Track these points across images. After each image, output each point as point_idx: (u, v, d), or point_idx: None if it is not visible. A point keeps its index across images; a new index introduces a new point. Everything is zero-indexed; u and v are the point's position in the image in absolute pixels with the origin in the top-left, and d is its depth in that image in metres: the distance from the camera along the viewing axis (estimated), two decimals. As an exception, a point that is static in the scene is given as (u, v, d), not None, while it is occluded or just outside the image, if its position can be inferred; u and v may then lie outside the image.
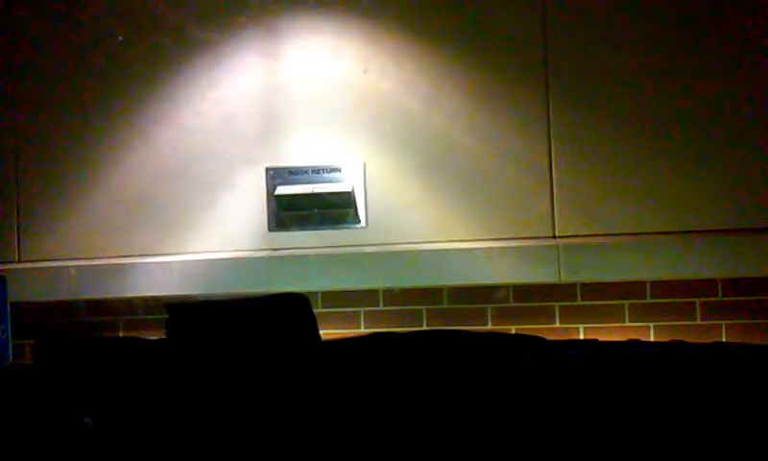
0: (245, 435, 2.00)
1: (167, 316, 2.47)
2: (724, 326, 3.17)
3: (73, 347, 2.44)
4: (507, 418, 1.89)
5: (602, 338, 3.20)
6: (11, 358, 3.53)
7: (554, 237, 3.29)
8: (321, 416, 1.99)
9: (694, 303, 3.20)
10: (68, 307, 3.57)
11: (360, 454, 1.94)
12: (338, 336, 2.42)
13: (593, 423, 1.84)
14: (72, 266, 3.51)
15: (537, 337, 2.13)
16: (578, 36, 3.34)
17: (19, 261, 3.59)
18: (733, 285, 3.20)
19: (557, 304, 3.31)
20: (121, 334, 3.58)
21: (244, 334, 2.21)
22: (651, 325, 3.22)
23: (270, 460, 1.98)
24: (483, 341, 2.18)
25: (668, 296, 3.22)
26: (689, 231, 3.19)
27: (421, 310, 3.42)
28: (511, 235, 3.31)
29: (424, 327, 3.40)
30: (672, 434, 1.80)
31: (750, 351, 2.11)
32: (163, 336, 2.37)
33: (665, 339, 3.15)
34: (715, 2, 3.27)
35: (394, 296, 3.43)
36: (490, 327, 3.37)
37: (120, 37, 3.59)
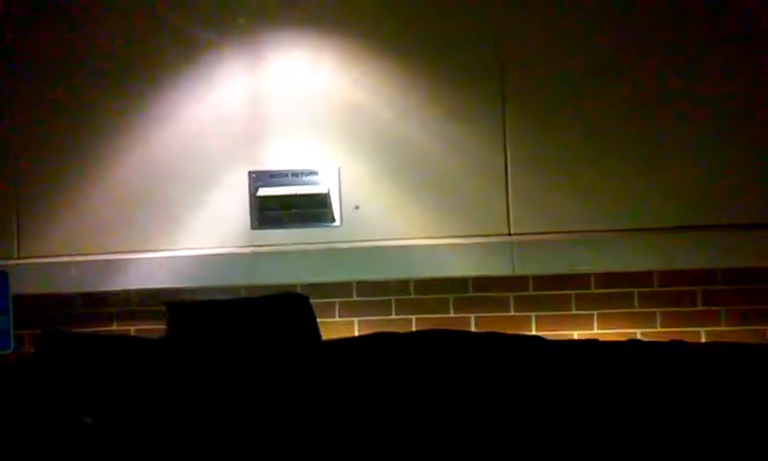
0: (245, 433, 2.03)
1: (167, 315, 2.62)
2: (658, 313, 3.58)
3: (75, 342, 2.59)
4: (508, 417, 1.91)
5: (551, 325, 3.60)
6: (12, 346, 3.80)
7: (509, 235, 3.66)
8: (320, 414, 2.02)
9: (633, 293, 3.60)
10: (65, 300, 3.84)
11: (359, 452, 1.95)
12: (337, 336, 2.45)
13: (606, 423, 1.89)
14: (69, 262, 3.80)
15: (535, 337, 2.15)
16: (530, 53, 3.71)
17: (18, 258, 3.84)
18: (666, 276, 3.61)
19: (511, 295, 3.69)
20: (114, 326, 3.86)
21: (244, 333, 2.29)
22: (594, 313, 3.62)
23: (270, 458, 1.99)
24: (482, 341, 2.19)
25: (610, 286, 3.61)
26: (627, 230, 3.59)
27: (390, 300, 3.76)
28: (470, 233, 3.67)
29: (393, 316, 3.75)
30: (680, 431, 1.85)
31: (751, 350, 2.10)
32: (160, 333, 2.55)
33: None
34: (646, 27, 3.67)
35: (366, 287, 3.77)
36: (452, 314, 3.73)
37: (119, 42, 3.86)
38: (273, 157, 3.78)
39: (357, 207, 3.77)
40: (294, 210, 3.75)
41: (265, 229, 3.77)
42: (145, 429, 2.10)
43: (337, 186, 3.73)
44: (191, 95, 3.83)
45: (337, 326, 3.70)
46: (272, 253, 3.73)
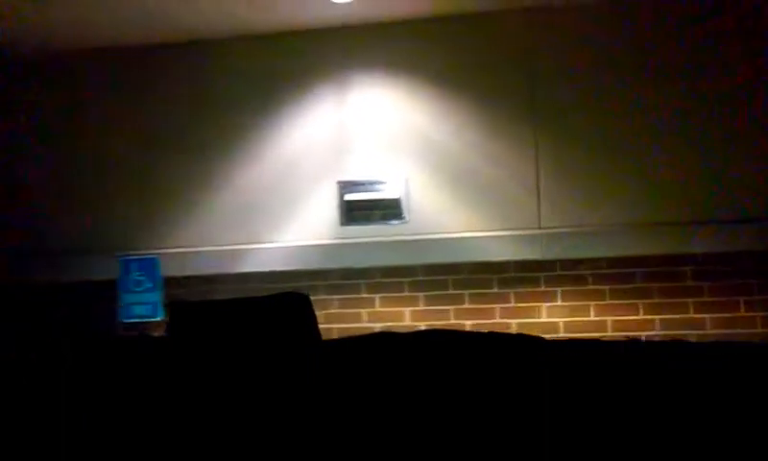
0: (245, 433, 2.00)
1: (169, 316, 2.62)
2: (655, 288, 4.52)
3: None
4: (508, 417, 1.86)
5: (572, 297, 4.59)
6: (161, 315, 4.96)
7: (539, 228, 4.67)
8: (320, 414, 1.97)
9: (635, 272, 4.56)
10: (202, 280, 5.00)
11: (360, 453, 1.91)
12: (338, 336, 2.43)
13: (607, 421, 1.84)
14: (203, 251, 4.97)
15: (535, 337, 2.12)
16: (556, 80, 4.70)
17: (166, 247, 5.01)
18: (662, 259, 4.53)
19: (542, 275, 4.68)
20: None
21: (244, 333, 2.26)
22: (606, 288, 4.59)
23: (270, 458, 1.96)
24: (482, 341, 2.14)
25: (618, 267, 4.58)
26: (630, 224, 4.55)
27: (447, 280, 4.79)
28: (508, 227, 4.69)
29: (450, 291, 4.78)
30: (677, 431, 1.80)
31: (751, 350, 2.07)
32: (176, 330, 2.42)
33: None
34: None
35: (428, 269, 4.81)
36: (495, 290, 4.74)
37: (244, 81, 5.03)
38: (356, 170, 4.88)
39: None
40: (372, 211, 4.84)
41: (350, 225, 4.86)
42: (144, 428, 2.06)
43: (405, 192, 4.81)
44: (294, 122, 4.97)
45: (405, 299, 4.78)
46: (355, 243, 4.83)
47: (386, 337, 2.22)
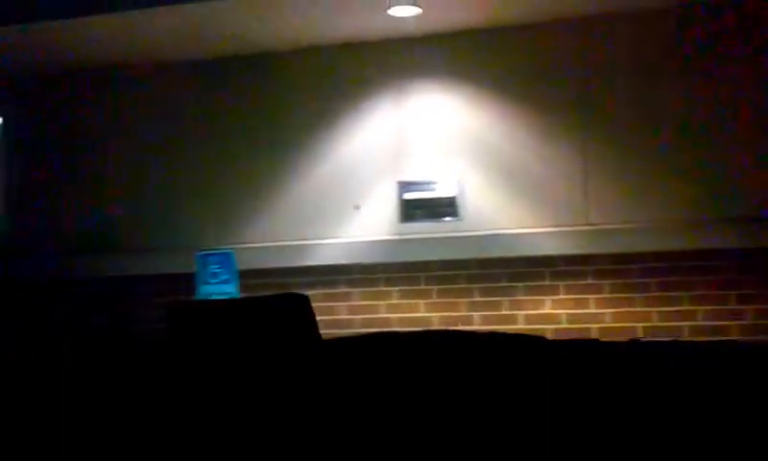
0: (245, 433, 2.00)
1: (169, 316, 2.54)
2: (700, 281, 4.76)
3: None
4: (508, 417, 1.85)
5: (620, 290, 4.86)
6: None
7: (587, 225, 4.95)
8: (320, 414, 1.97)
9: (679, 266, 4.79)
10: (275, 273, 5.43)
11: (359, 453, 1.90)
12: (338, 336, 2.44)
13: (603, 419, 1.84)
14: (274, 246, 5.41)
15: (537, 336, 2.13)
16: (605, 88, 4.97)
17: (243, 242, 5.45)
18: (701, 253, 4.77)
19: (590, 269, 4.96)
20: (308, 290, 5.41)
21: (244, 333, 2.27)
22: (651, 281, 4.85)
23: (270, 459, 1.96)
24: (483, 341, 2.15)
25: (663, 262, 4.83)
26: (670, 220, 4.81)
27: (501, 273, 5.09)
28: (559, 223, 4.99)
29: (503, 284, 5.10)
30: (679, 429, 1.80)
31: (751, 350, 2.08)
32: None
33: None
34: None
35: (482, 263, 5.13)
36: (547, 282, 5.04)
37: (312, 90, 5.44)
38: (414, 171, 5.24)
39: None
40: (429, 209, 5.20)
41: (409, 222, 5.22)
42: (144, 428, 2.06)
43: (460, 191, 5.15)
44: (356, 126, 5.35)
45: (460, 291, 5.12)
46: (413, 239, 5.20)
47: (385, 337, 2.24)
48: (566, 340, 2.25)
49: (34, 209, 5.87)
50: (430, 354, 2.04)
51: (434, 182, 5.20)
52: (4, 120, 6.03)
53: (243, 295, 5.21)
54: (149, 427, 2.09)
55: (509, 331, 4.78)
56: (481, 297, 5.12)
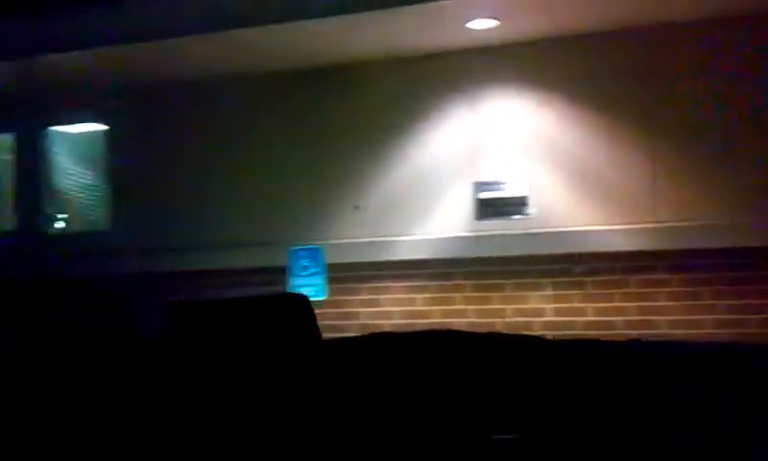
0: (245, 432, 2.00)
1: (169, 316, 2.54)
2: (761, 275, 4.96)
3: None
4: (508, 417, 1.85)
5: (688, 284, 5.08)
6: (324, 295, 5.84)
7: (654, 222, 5.20)
8: (320, 413, 1.97)
9: (743, 263, 4.99)
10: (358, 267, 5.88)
11: (359, 452, 1.91)
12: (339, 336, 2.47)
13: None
14: (358, 242, 5.85)
15: (536, 337, 2.12)
16: (671, 95, 5.20)
17: (325, 239, 5.91)
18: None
19: (657, 263, 5.21)
20: (387, 282, 5.82)
21: (244, 333, 2.27)
22: (719, 275, 5.06)
23: (270, 457, 1.96)
24: (483, 341, 2.15)
25: (729, 257, 5.03)
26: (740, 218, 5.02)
27: (571, 267, 5.39)
28: (627, 221, 5.26)
29: (574, 278, 5.38)
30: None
31: (751, 350, 2.08)
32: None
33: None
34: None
35: (552, 259, 5.44)
36: (617, 277, 5.29)
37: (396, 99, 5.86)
38: (488, 172, 5.59)
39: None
40: (503, 207, 5.53)
41: (483, 220, 5.58)
42: (144, 427, 2.06)
43: (533, 191, 5.47)
44: (434, 131, 5.72)
45: (532, 285, 5.44)
46: (488, 236, 5.54)
47: (385, 337, 2.25)
48: (566, 340, 2.22)
49: (134, 210, 6.48)
50: (430, 354, 2.04)
51: (507, 183, 5.53)
52: (109, 128, 6.66)
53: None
54: (149, 426, 2.08)
55: (580, 322, 5.15)
56: (553, 290, 5.42)
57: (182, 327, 2.39)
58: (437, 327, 2.44)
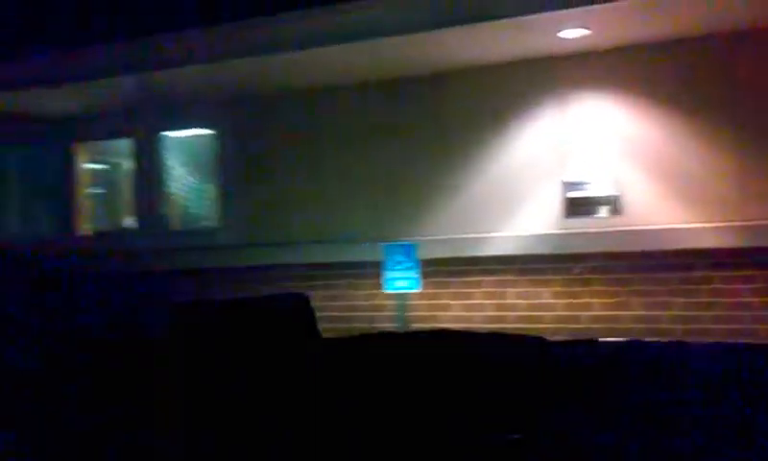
0: (245, 431, 2.00)
1: (170, 316, 2.58)
2: None
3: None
4: (508, 416, 1.85)
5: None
6: (418, 287, 6.18)
7: (743, 220, 5.34)
8: (320, 412, 1.97)
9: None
10: (450, 262, 6.21)
11: (359, 450, 1.91)
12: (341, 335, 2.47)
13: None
14: (449, 238, 6.17)
15: (536, 337, 2.11)
16: (759, 89, 5.33)
17: (420, 236, 6.27)
18: None
19: (743, 260, 5.34)
20: (479, 277, 6.12)
21: (244, 332, 2.29)
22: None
23: (270, 455, 1.96)
24: (483, 341, 2.16)
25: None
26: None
27: (658, 264, 5.57)
28: (714, 220, 5.41)
29: (662, 275, 5.56)
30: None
31: (751, 350, 2.06)
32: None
33: None
34: None
35: (639, 255, 5.64)
36: (700, 273, 5.46)
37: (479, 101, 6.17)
38: (577, 172, 5.83)
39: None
40: (591, 206, 5.76)
41: (572, 218, 5.83)
42: (144, 426, 2.05)
43: (621, 190, 5.68)
44: (523, 133, 5.99)
45: (620, 280, 5.65)
46: (577, 233, 5.78)
47: (386, 336, 2.31)
48: (566, 340, 2.20)
49: (243, 211, 7.00)
50: (430, 354, 2.04)
51: (595, 182, 5.76)
52: (219, 133, 7.18)
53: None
54: (148, 425, 2.08)
55: (665, 317, 5.34)
56: (640, 286, 5.62)
57: (182, 327, 2.41)
58: (436, 328, 2.37)
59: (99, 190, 8.02)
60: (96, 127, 7.52)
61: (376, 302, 6.34)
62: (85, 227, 7.81)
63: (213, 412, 2.10)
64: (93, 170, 7.96)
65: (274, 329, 2.34)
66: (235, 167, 7.03)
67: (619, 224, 5.67)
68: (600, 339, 2.15)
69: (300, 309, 2.46)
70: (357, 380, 2.03)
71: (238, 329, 2.33)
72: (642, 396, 1.86)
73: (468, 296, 6.14)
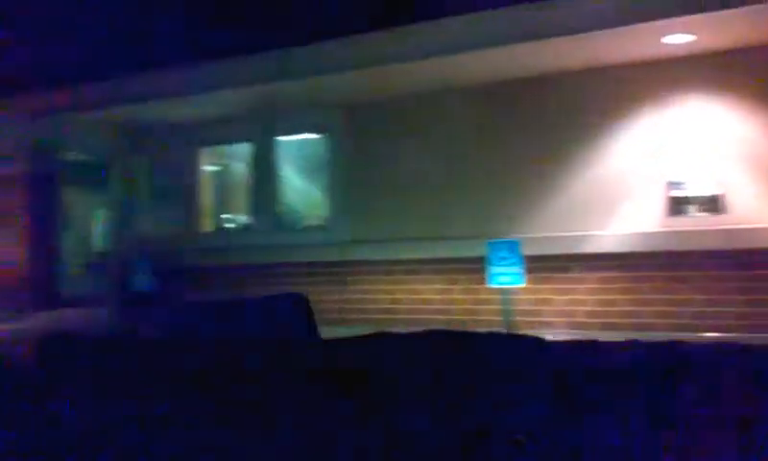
0: (245, 431, 2.00)
1: (169, 316, 2.62)
2: None
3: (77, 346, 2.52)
4: (508, 416, 1.85)
5: None
6: (521, 283, 6.45)
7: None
8: (320, 412, 1.97)
9: None
10: (553, 258, 6.46)
11: (359, 451, 1.91)
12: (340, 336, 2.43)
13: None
14: (553, 236, 6.42)
15: (535, 337, 2.11)
16: None
17: (520, 233, 6.52)
18: None
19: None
20: (578, 272, 6.34)
21: (244, 332, 2.28)
22: None
23: (270, 457, 1.95)
24: (484, 341, 2.16)
25: None
26: None
27: (762, 262, 5.68)
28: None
29: (753, 271, 5.65)
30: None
31: (751, 350, 2.04)
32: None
33: None
34: None
35: (742, 253, 5.71)
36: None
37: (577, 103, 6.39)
38: (680, 172, 5.97)
39: None
40: (695, 205, 5.89)
41: (675, 216, 5.97)
42: (143, 425, 2.06)
43: (724, 189, 5.79)
44: (627, 134, 6.16)
45: (722, 277, 5.74)
46: (680, 231, 5.91)
47: (386, 336, 2.23)
48: (565, 340, 2.20)
49: (350, 207, 7.43)
50: (430, 354, 2.04)
51: (699, 181, 5.88)
52: (330, 136, 7.64)
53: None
54: (148, 424, 2.08)
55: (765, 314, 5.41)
56: (743, 282, 5.72)
57: (182, 327, 2.44)
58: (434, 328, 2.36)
59: (216, 191, 8.65)
60: (219, 132, 8.13)
61: (480, 296, 6.64)
62: (207, 223, 8.45)
63: (211, 410, 2.10)
64: (211, 172, 8.59)
65: (273, 329, 2.38)
66: (345, 168, 7.47)
67: (723, 222, 5.78)
68: (600, 340, 2.15)
69: (300, 309, 2.48)
70: (357, 380, 2.03)
71: (237, 328, 2.35)
72: (642, 395, 1.85)
73: (571, 291, 6.35)
